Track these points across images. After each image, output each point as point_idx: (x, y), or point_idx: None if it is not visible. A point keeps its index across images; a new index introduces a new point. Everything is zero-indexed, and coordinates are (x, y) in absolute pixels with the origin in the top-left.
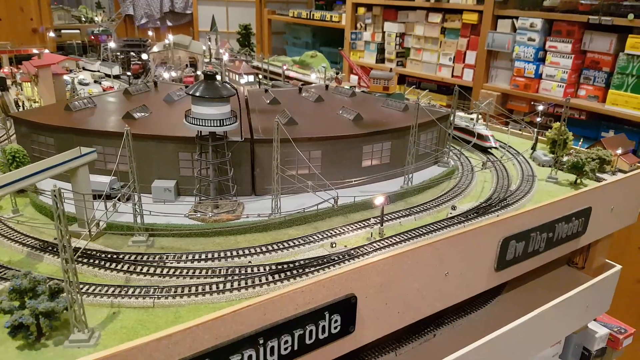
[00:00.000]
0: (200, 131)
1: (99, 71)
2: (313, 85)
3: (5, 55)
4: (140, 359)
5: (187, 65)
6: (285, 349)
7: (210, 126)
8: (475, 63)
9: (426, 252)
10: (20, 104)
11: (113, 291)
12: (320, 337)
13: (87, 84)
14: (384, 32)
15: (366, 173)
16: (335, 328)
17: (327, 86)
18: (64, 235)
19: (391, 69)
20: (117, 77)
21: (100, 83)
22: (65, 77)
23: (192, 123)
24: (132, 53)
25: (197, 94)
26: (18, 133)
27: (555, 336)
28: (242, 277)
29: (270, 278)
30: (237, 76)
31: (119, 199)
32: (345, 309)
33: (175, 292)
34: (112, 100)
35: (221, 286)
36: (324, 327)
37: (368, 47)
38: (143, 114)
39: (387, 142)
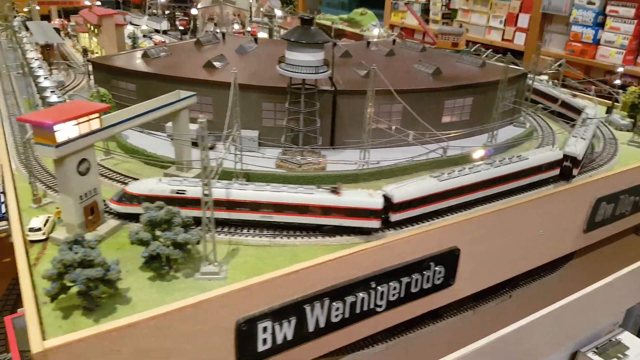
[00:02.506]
0: (291, 79)
1: (146, 26)
2: (379, 39)
3: (55, 7)
4: (268, 293)
5: (234, 21)
6: (393, 295)
7: (306, 73)
8: (528, 27)
9: (525, 209)
10: (90, 52)
11: (229, 229)
12: (425, 286)
13: (137, 38)
14: None
15: (445, 129)
16: (438, 279)
17: (394, 41)
18: (207, 168)
19: (461, 24)
20: (165, 32)
21: (150, 38)
22: (129, 27)
23: (287, 70)
24: (178, 8)
25: (293, 39)
26: (96, 79)
27: (621, 305)
28: None
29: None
30: None
31: (211, 147)
32: (449, 261)
33: (289, 232)
34: (185, 50)
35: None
36: (428, 277)
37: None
38: (222, 63)
39: (469, 98)
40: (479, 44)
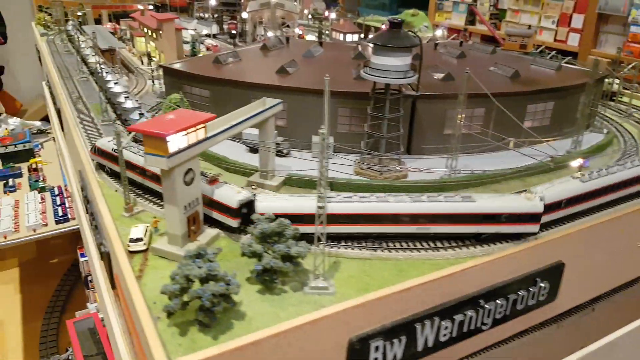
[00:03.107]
0: (375, 84)
1: (195, 30)
2: (445, 41)
3: (105, 11)
4: (380, 310)
5: (283, 24)
6: (499, 312)
7: (394, 78)
8: (582, 27)
9: (631, 220)
10: (153, 57)
11: (327, 241)
12: (529, 303)
13: (188, 42)
14: None
15: (526, 134)
16: (542, 295)
17: (461, 42)
18: (324, 178)
19: (530, 26)
20: (214, 36)
21: (202, 42)
22: (190, 31)
23: (372, 75)
24: (226, 12)
25: (380, 43)
26: (167, 84)
27: None
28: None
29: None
30: (341, 35)
31: (286, 152)
32: (553, 276)
33: (392, 245)
34: (252, 55)
35: (433, 244)
36: (533, 293)
37: (457, 7)
38: (293, 68)
39: (550, 102)
40: (544, 46)
